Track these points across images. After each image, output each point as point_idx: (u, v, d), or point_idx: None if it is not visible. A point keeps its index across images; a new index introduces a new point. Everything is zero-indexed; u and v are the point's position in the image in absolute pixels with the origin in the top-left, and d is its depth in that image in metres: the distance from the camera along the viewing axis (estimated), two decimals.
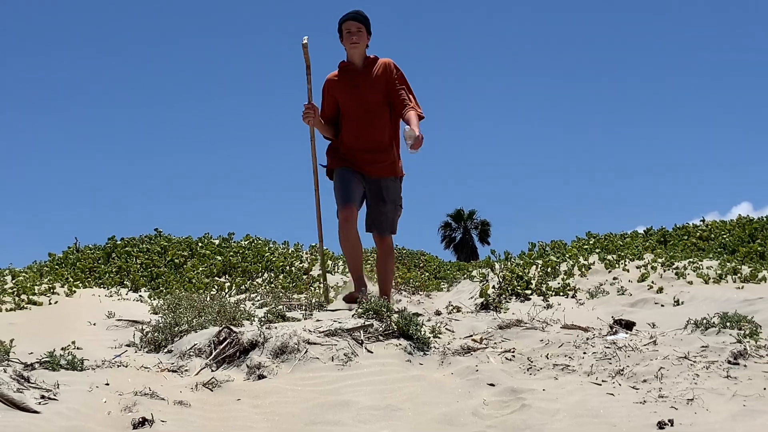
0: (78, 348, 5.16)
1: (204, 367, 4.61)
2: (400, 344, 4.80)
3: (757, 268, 8.36)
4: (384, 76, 6.25)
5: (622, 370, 4.35)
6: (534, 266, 9.09)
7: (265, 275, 9.49)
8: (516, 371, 4.53)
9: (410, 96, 6.28)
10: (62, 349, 5.00)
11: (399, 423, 3.79)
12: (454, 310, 6.33)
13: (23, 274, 8.38)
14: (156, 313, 6.53)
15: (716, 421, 3.63)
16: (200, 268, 9.37)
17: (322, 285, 6.09)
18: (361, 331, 4.87)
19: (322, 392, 4.20)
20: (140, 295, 8.07)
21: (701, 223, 12.14)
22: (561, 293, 7.98)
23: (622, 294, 7.85)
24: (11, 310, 6.78)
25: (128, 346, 5.39)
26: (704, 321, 5.11)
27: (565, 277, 8.66)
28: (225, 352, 4.71)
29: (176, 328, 5.20)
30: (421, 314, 5.63)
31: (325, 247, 11.22)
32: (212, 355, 4.70)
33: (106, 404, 3.87)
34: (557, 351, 4.75)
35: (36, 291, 7.41)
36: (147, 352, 5.15)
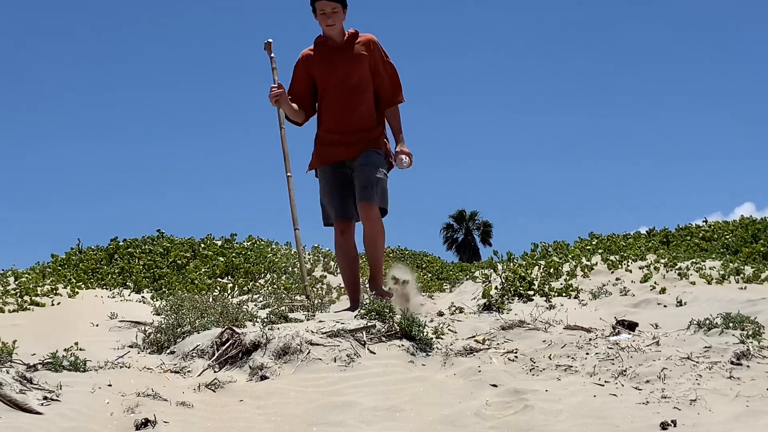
0: (81, 349, 5.16)
1: (206, 368, 4.61)
2: (402, 345, 4.80)
3: (760, 269, 8.34)
4: (367, 55, 5.87)
5: (625, 371, 4.34)
6: (537, 267, 9.08)
7: (268, 276, 9.49)
8: (519, 372, 4.52)
9: (394, 80, 5.96)
10: (65, 350, 5.01)
11: (402, 424, 3.79)
12: (457, 311, 6.33)
13: (26, 275, 8.39)
14: (158, 314, 6.53)
15: (719, 422, 3.62)
16: (203, 269, 9.38)
17: (299, 270, 5.98)
18: (364, 332, 4.87)
19: (325, 393, 4.19)
20: (143, 296, 8.07)
21: (704, 223, 12.13)
22: (564, 294, 7.97)
23: (625, 294, 7.84)
24: (14, 311, 6.78)
25: (131, 347, 5.40)
26: (707, 321, 5.10)
27: (567, 277, 8.65)
28: (227, 353, 4.71)
29: (179, 329, 5.20)
30: (423, 315, 5.62)
31: (326, 248, 11.29)
32: (215, 356, 4.70)
33: (109, 405, 3.87)
34: (560, 352, 4.75)
35: (39, 292, 7.41)
36: (149, 353, 5.16)
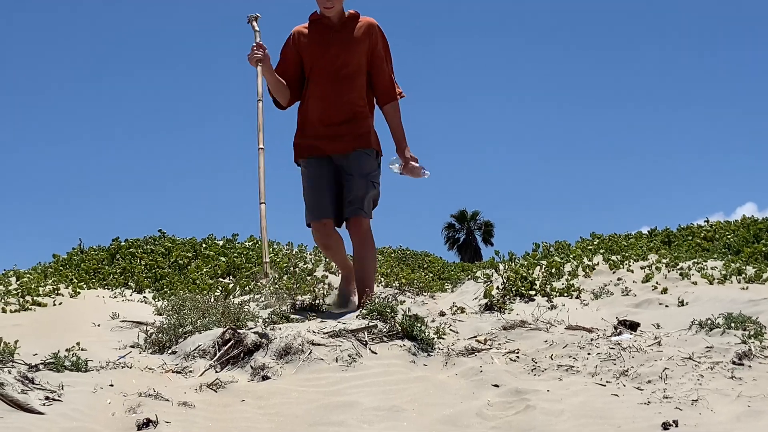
0: (82, 349, 5.16)
1: (208, 368, 4.61)
2: (404, 345, 4.80)
3: (762, 269, 8.33)
4: (366, 40, 5.46)
5: (627, 371, 4.34)
6: (538, 267, 9.07)
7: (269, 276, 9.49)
8: (520, 372, 4.52)
9: (391, 74, 5.59)
10: (66, 350, 5.01)
11: (403, 424, 3.79)
12: (458, 311, 6.33)
13: (27, 275, 8.39)
14: (160, 314, 6.53)
15: (720, 422, 3.62)
16: (204, 269, 9.37)
17: (263, 262, 5.86)
18: (366, 332, 4.87)
19: (326, 393, 4.20)
20: (144, 296, 8.07)
21: (705, 223, 12.11)
22: (565, 294, 7.97)
23: (627, 294, 7.84)
24: (16, 311, 6.79)
25: (132, 347, 5.40)
26: (709, 322, 5.10)
27: (569, 277, 8.65)
28: (229, 353, 4.71)
29: (180, 329, 5.20)
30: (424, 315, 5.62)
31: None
32: (216, 356, 4.70)
33: (111, 405, 3.87)
34: (561, 352, 4.75)
35: (40, 292, 7.42)
36: (151, 353, 5.15)
